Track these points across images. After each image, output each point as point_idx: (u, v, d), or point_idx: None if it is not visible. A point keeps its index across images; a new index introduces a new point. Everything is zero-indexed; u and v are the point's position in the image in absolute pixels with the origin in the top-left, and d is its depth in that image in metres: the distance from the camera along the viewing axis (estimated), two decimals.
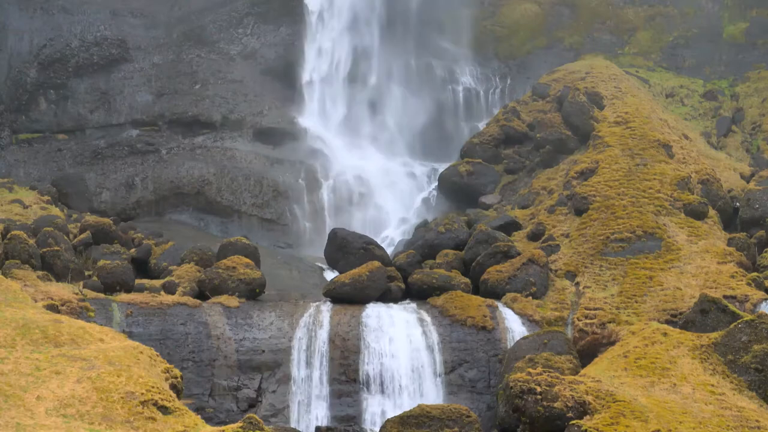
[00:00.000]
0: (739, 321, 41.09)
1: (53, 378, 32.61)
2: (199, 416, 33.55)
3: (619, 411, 36.27)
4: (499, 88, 74.31)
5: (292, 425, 43.71)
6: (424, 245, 53.69)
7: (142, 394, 32.25)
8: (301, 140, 68.72)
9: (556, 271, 50.68)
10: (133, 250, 52.37)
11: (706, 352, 40.51)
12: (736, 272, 48.65)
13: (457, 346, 45.78)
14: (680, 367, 39.91)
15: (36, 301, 41.56)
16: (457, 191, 63.09)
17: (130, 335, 42.07)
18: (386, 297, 48.65)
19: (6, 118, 67.08)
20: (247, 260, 48.59)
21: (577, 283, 49.79)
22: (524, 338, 45.00)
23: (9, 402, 30.89)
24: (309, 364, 45.02)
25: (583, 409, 36.71)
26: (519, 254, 50.44)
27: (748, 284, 47.82)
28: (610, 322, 46.41)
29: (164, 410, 32.22)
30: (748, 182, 59.57)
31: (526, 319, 47.10)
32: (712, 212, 54.22)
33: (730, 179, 59.63)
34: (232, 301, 46.56)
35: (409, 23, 76.07)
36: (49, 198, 59.66)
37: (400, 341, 45.46)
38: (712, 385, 38.90)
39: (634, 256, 50.30)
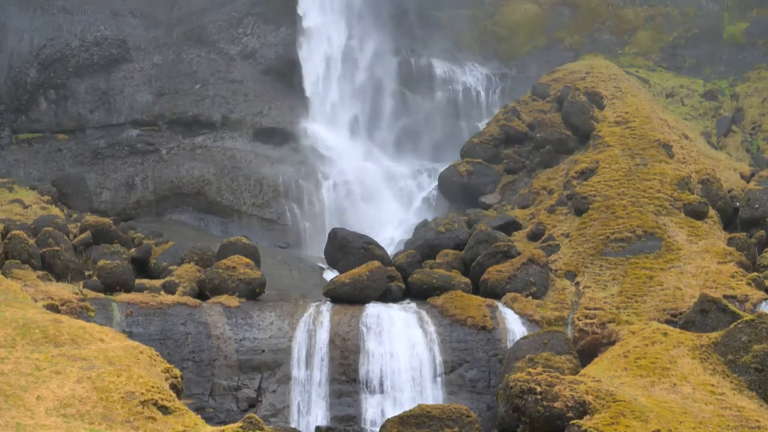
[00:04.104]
0: (739, 321, 41.09)
1: (53, 378, 32.61)
2: (199, 416, 33.53)
3: (619, 411, 36.27)
4: (499, 88, 74.31)
5: (292, 425, 43.72)
6: (424, 245, 53.69)
7: (142, 394, 32.25)
8: (301, 140, 68.75)
9: (556, 271, 50.69)
10: (133, 250, 52.36)
11: (706, 352, 40.51)
12: (736, 272, 48.65)
13: (457, 346, 45.79)
14: (680, 367, 39.91)
15: (36, 301, 41.55)
16: (457, 191, 63.08)
17: (130, 335, 42.05)
18: (386, 297, 48.65)
19: (6, 118, 67.09)
20: (247, 260, 48.59)
21: (577, 283, 49.80)
22: (524, 338, 45.00)
23: (9, 402, 30.89)
24: (309, 364, 45.02)
25: (583, 409, 36.71)
26: (519, 254, 50.44)
27: (748, 284, 47.82)
28: (610, 322, 46.42)
29: (164, 410, 32.22)
30: (748, 182, 59.56)
31: (526, 319, 47.10)
32: (712, 212, 54.21)
33: (730, 179, 59.62)
34: (232, 301, 46.56)
35: (410, 23, 76.11)
36: (49, 198, 59.66)
37: (400, 341, 45.46)
38: (712, 385, 38.90)
39: (634, 256, 50.30)
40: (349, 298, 47.61)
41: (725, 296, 46.10)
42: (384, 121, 72.16)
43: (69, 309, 42.71)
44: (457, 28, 77.56)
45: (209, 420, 41.15)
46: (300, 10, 72.52)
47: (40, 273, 45.65)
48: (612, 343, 44.47)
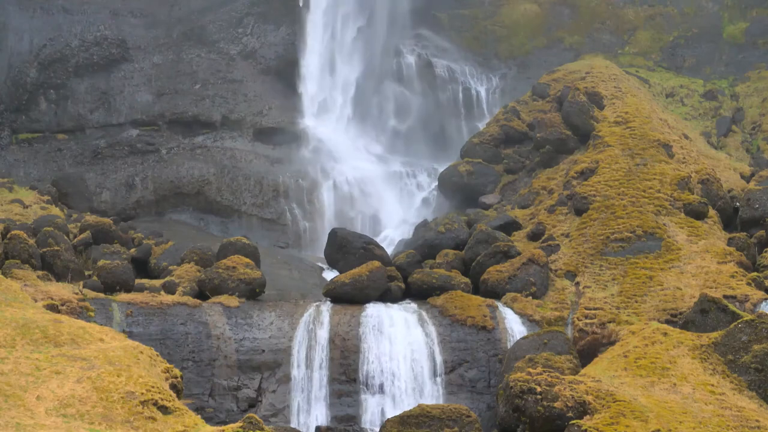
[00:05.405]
0: (739, 321, 41.12)
1: (53, 378, 32.61)
2: (199, 416, 33.55)
3: (619, 411, 36.29)
4: (499, 88, 74.32)
5: (292, 425, 43.72)
6: (424, 245, 53.71)
7: (142, 394, 32.26)
8: (301, 140, 68.77)
9: (556, 271, 50.69)
10: (133, 250, 52.40)
11: (706, 352, 40.53)
12: (736, 272, 48.66)
13: (457, 346, 45.80)
14: (680, 367, 39.93)
15: (36, 301, 41.57)
16: (457, 191, 63.07)
17: (130, 335, 42.09)
18: (386, 297, 48.66)
19: (6, 118, 67.09)
20: (247, 260, 48.61)
21: (577, 283, 49.80)
22: (524, 338, 45.01)
23: (9, 402, 30.89)
24: (309, 364, 45.03)
25: (583, 409, 36.72)
26: (519, 254, 50.45)
27: (748, 284, 47.83)
28: (610, 322, 46.42)
29: (164, 410, 32.23)
30: (748, 182, 59.55)
31: (526, 318, 47.11)
32: (712, 212, 54.21)
33: (730, 179, 59.62)
34: (232, 301, 46.58)
35: (410, 23, 76.12)
36: (49, 198, 59.67)
37: (400, 341, 45.47)
38: (712, 385, 38.91)
39: (634, 256, 50.31)
40: (349, 298, 47.62)
41: (725, 296, 46.11)
42: (384, 121, 72.18)
43: (69, 309, 42.72)
44: (457, 28, 77.58)
45: (209, 420, 41.16)
46: (300, 10, 72.49)
47: (40, 273, 45.66)
48: (612, 343, 44.48)
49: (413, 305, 48.00)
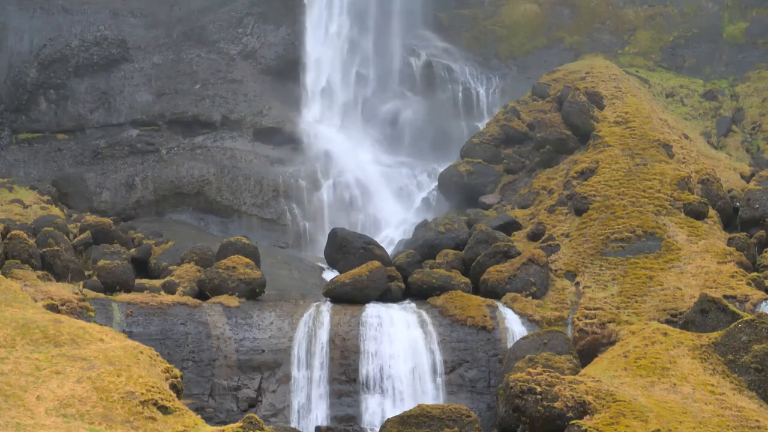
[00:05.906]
0: (739, 321, 41.13)
1: (53, 378, 32.61)
2: (199, 416, 33.55)
3: (619, 411, 36.29)
4: (499, 88, 74.32)
5: (292, 425, 43.72)
6: (424, 245, 53.72)
7: (142, 394, 32.25)
8: (301, 140, 68.75)
9: (556, 271, 50.70)
10: (133, 250, 52.40)
11: (706, 352, 40.53)
12: (736, 272, 48.66)
13: (457, 346, 45.80)
14: (680, 367, 39.93)
15: (36, 301, 41.57)
16: (457, 191, 63.08)
17: (130, 335, 42.09)
18: (386, 297, 48.66)
19: (6, 118, 67.07)
20: (247, 260, 48.61)
21: (577, 283, 49.80)
22: (524, 338, 45.02)
23: (9, 402, 30.89)
24: (309, 364, 45.03)
25: (583, 409, 36.73)
26: (519, 254, 50.46)
27: (748, 284, 47.83)
28: (610, 322, 46.43)
29: (164, 410, 32.23)
30: (748, 182, 59.56)
31: (526, 319, 47.12)
32: (712, 212, 54.21)
33: (730, 179, 59.63)
34: (232, 301, 46.58)
35: (410, 23, 76.11)
36: (49, 198, 59.67)
37: (400, 341, 45.47)
38: (712, 385, 38.92)
39: (634, 256, 50.32)
40: (349, 298, 47.62)
41: (725, 296, 46.12)
42: (384, 121, 72.15)
43: (69, 309, 42.71)
44: (457, 28, 77.59)
45: (209, 420, 41.16)
46: (301, 10, 72.46)
47: (40, 273, 45.66)
48: (612, 343, 44.49)
49: (413, 305, 48.01)
